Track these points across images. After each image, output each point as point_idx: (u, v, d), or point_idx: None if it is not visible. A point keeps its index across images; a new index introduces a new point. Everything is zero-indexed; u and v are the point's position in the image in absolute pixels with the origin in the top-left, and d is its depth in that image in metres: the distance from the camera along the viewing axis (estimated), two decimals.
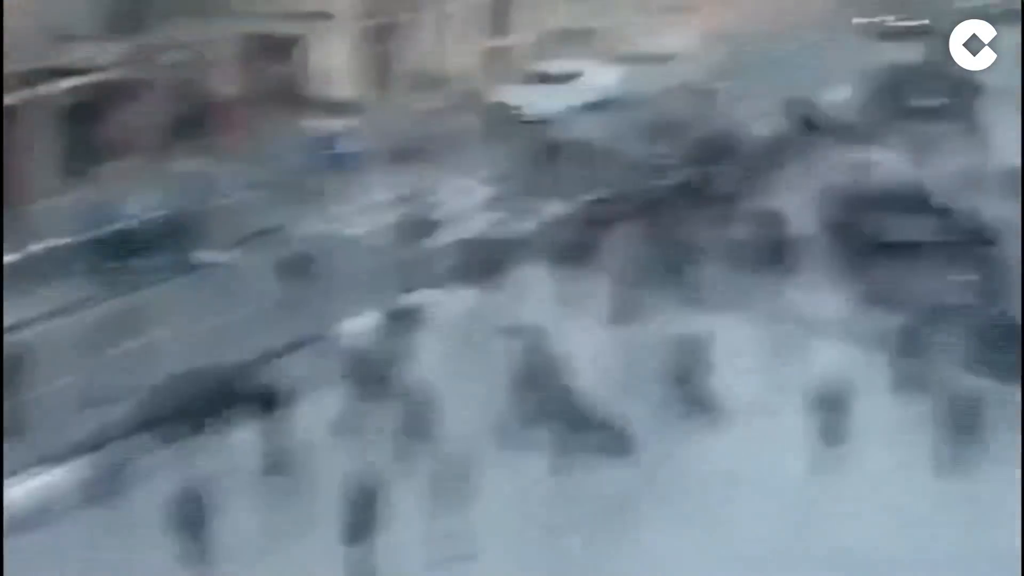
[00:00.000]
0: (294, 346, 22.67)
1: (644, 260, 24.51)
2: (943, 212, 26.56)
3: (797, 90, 35.19)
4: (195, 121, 32.36)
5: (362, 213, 27.67)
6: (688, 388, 19.97)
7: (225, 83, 35.12)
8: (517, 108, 36.91)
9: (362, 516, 15.76)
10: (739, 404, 19.97)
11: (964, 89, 36.00)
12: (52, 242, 25.79)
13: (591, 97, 38.11)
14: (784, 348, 21.95)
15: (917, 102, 35.28)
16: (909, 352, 20.73)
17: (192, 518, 15.99)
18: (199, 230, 26.66)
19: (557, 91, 37.65)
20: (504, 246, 26.47)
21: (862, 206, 26.93)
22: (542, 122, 35.89)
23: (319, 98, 36.01)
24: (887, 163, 30.66)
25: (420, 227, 27.30)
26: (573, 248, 25.46)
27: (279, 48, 36.68)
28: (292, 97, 36.28)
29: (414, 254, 26.24)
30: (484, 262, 25.71)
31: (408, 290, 23.84)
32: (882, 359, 21.05)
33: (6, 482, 17.63)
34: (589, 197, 27.21)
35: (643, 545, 16.67)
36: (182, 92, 32.95)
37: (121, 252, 25.35)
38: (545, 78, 38.47)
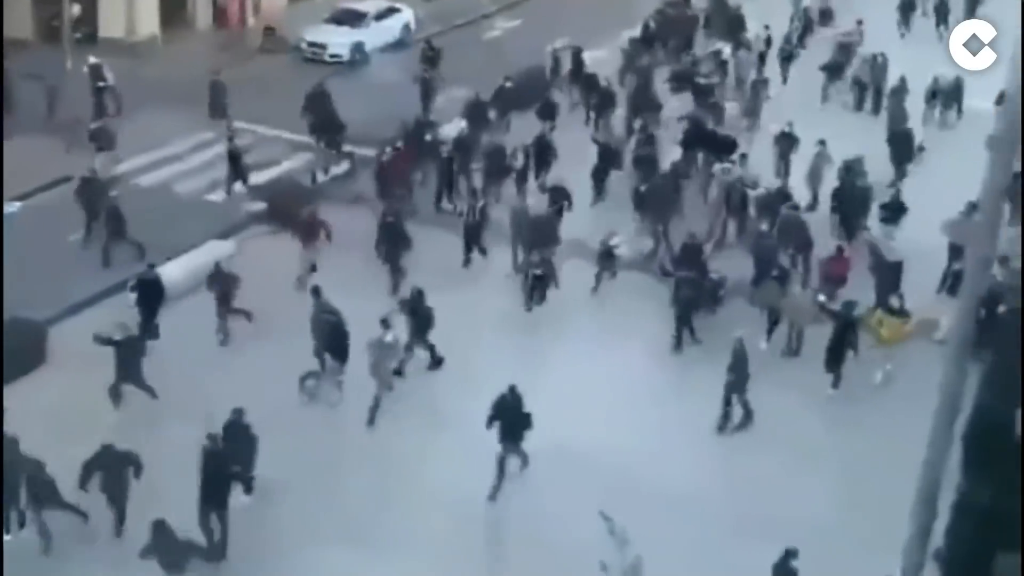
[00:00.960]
0: (87, 302, 22.96)
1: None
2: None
3: (576, 36, 34.95)
4: None
5: (156, 161, 27.57)
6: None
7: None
8: (322, 48, 36.89)
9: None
10: None
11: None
12: None
13: (393, 36, 38.31)
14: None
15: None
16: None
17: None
18: None
19: (361, 31, 37.39)
20: (302, 193, 26.88)
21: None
22: (346, 63, 36.07)
23: (112, 38, 35.41)
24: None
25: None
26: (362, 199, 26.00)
27: None
28: (86, 37, 35.56)
29: (209, 203, 26.48)
30: (281, 210, 26.20)
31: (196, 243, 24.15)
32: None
33: None
34: (387, 145, 27.51)
35: None
36: None
37: None
38: (350, 16, 37.86)
